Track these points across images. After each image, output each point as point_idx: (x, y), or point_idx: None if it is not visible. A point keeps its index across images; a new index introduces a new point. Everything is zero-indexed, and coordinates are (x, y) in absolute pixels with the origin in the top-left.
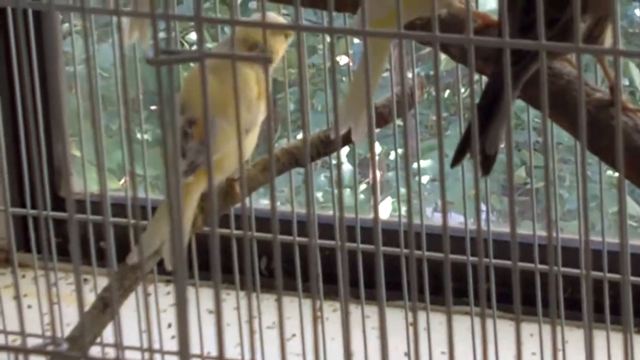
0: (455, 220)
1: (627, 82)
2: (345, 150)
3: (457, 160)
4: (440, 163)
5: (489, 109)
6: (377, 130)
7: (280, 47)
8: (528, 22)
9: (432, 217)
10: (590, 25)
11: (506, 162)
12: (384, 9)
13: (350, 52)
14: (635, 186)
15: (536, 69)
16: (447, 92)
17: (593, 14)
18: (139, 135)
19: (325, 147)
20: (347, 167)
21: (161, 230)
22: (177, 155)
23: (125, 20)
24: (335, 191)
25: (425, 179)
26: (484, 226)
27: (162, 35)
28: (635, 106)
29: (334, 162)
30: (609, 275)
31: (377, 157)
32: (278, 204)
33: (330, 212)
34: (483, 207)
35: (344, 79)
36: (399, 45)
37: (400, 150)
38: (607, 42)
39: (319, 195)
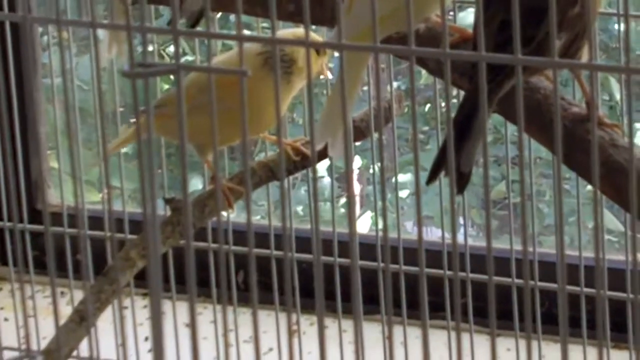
0: (436, 234)
1: (607, 97)
2: (325, 164)
3: (431, 178)
4: (416, 178)
5: (464, 127)
6: (357, 144)
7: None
8: (503, 40)
9: (413, 232)
10: (566, 43)
11: (483, 177)
12: (361, 24)
13: (330, 65)
14: (611, 200)
15: (512, 85)
16: (428, 106)
17: (569, 32)
18: None
19: (302, 160)
20: (327, 180)
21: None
22: (153, 169)
23: (103, 34)
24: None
25: (405, 193)
26: (461, 240)
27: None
28: (611, 121)
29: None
30: (585, 289)
31: (357, 171)
32: (258, 217)
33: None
34: (462, 221)
35: (324, 92)
36: (375, 59)
37: (378, 164)
38: (584, 59)
39: (299, 209)
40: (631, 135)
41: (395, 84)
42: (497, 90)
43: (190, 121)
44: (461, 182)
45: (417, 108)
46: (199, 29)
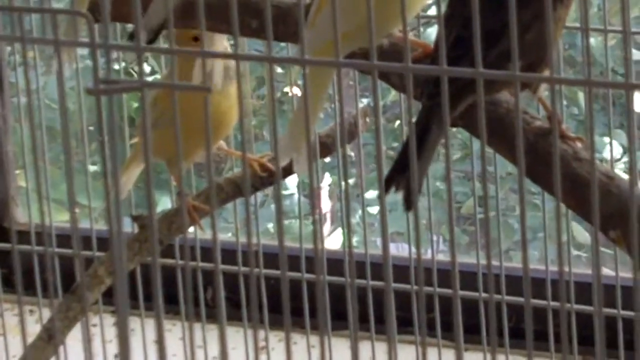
0: (407, 250)
1: (576, 111)
2: (295, 181)
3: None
4: (380, 193)
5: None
6: (327, 160)
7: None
8: (455, 56)
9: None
10: (521, 69)
11: (446, 192)
12: (324, 39)
13: (299, 82)
14: (575, 213)
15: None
16: (398, 122)
17: (524, 59)
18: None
19: (268, 176)
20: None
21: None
22: (118, 186)
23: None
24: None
25: (375, 209)
26: (429, 256)
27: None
28: (575, 134)
29: (284, 192)
30: (552, 303)
31: (328, 187)
32: (229, 234)
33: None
34: (433, 237)
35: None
36: (337, 74)
37: (351, 180)
38: (543, 86)
39: (269, 226)
40: (592, 147)
41: (364, 100)
42: (450, 109)
43: (154, 135)
44: (411, 199)
45: (387, 124)
46: (162, 45)
